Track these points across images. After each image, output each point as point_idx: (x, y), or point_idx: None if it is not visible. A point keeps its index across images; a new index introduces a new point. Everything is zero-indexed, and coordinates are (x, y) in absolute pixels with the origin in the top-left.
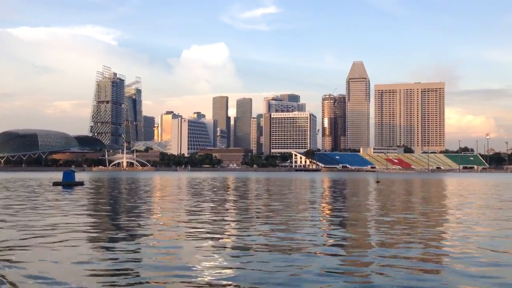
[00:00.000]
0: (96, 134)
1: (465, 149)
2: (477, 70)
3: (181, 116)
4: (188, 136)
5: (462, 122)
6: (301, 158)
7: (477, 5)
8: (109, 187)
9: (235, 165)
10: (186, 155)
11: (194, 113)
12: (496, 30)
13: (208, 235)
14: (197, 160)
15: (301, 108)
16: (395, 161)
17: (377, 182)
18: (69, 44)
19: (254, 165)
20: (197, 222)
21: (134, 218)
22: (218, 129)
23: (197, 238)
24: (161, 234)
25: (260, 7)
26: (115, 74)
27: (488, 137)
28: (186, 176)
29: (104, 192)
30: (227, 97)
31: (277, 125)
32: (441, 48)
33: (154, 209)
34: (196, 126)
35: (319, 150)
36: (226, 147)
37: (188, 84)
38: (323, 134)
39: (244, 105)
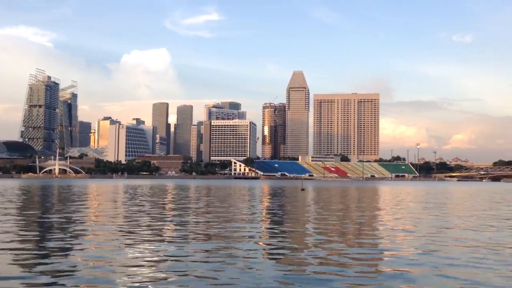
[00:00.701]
0: (27, 139)
1: (398, 158)
2: (411, 83)
3: (119, 122)
4: (126, 143)
5: (396, 132)
6: (240, 166)
7: (411, 22)
8: (23, 195)
9: (173, 172)
10: (123, 162)
11: (134, 119)
12: (429, 46)
13: (137, 246)
14: (134, 167)
15: (242, 116)
16: (332, 169)
17: (302, 189)
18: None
19: (193, 173)
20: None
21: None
22: (158, 136)
23: (125, 248)
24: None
25: (203, 14)
26: (49, 77)
27: (418, 147)
28: (121, 184)
29: (17, 200)
30: (167, 104)
31: (218, 132)
32: (377, 61)
33: (69, 220)
34: (134, 133)
35: (258, 158)
36: (165, 154)
37: (128, 90)
38: (263, 142)
39: (185, 112)
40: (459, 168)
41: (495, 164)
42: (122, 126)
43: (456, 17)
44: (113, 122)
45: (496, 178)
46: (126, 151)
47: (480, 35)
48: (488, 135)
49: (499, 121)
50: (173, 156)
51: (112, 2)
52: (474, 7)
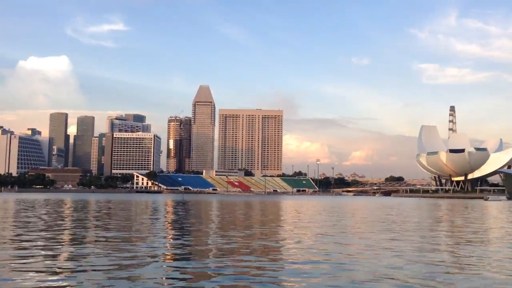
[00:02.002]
0: None
1: (299, 174)
2: (313, 101)
3: (12, 132)
4: (18, 154)
5: (300, 148)
6: (143, 179)
7: (313, 44)
8: None
9: (70, 186)
10: (14, 174)
11: (29, 129)
12: (329, 67)
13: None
14: (26, 180)
15: (146, 128)
16: (236, 183)
17: (183, 203)
18: None
19: (92, 186)
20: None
21: None
22: (55, 147)
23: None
24: None
25: (107, 23)
26: None
27: (318, 162)
28: (9, 198)
29: None
30: (66, 114)
31: (120, 145)
32: (282, 78)
33: None
34: (28, 144)
35: (162, 171)
36: (63, 166)
37: (23, 98)
38: (168, 156)
39: (86, 123)
40: (355, 183)
41: (386, 179)
42: (15, 136)
43: (354, 41)
44: (4, 131)
45: (387, 193)
46: (18, 163)
47: (376, 59)
48: (382, 152)
49: (392, 139)
50: (70, 169)
51: (8, 5)
52: (371, 33)
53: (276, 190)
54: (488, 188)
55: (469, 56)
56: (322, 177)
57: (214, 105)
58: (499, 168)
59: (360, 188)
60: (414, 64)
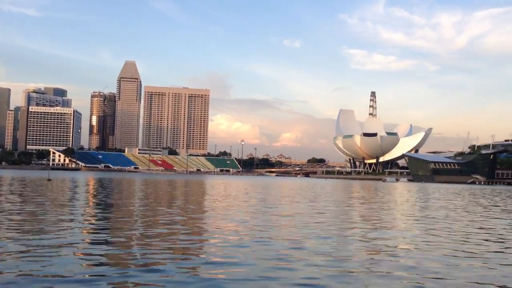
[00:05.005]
0: None
1: (224, 153)
2: (246, 82)
3: None
4: None
5: (231, 128)
6: (60, 156)
7: (246, 25)
8: None
9: None
10: None
11: None
12: (262, 48)
13: None
14: None
15: (67, 103)
16: (159, 162)
17: (48, 180)
18: None
19: (3, 162)
20: None
21: None
22: None
23: None
24: None
25: None
26: None
27: (243, 143)
28: None
29: None
30: None
31: (36, 120)
32: (215, 58)
33: None
34: None
35: (83, 148)
36: None
37: None
38: (91, 133)
39: (1, 95)
40: (279, 164)
41: (309, 161)
42: None
43: (286, 23)
44: None
45: (307, 174)
46: None
47: (307, 43)
48: (312, 135)
49: (322, 122)
50: None
51: None
52: (303, 16)
53: (200, 170)
54: (397, 170)
55: (394, 44)
56: (248, 158)
57: (140, 81)
58: (407, 152)
59: (283, 169)
60: (344, 49)
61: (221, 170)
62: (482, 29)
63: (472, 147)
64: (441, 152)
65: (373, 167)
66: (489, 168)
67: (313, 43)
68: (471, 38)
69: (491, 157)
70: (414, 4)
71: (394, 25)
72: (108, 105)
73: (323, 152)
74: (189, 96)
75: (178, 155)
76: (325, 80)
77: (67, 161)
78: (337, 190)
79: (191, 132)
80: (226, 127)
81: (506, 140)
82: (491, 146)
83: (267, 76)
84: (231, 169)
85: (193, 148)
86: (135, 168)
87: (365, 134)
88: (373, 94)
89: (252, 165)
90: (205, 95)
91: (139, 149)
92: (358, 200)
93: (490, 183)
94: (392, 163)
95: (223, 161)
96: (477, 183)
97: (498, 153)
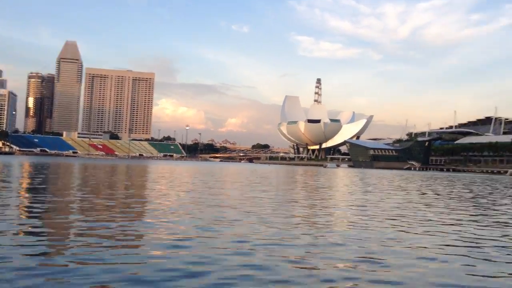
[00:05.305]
0: None
1: (168, 138)
2: (193, 66)
3: None
4: None
5: (177, 113)
6: None
7: (196, 7)
8: None
9: None
10: None
11: None
12: (210, 32)
13: None
14: None
15: (2, 84)
16: (100, 146)
17: None
18: None
19: None
20: None
21: None
22: None
23: None
24: None
25: None
26: None
27: (187, 127)
28: None
29: None
30: None
31: None
32: (161, 41)
33: None
34: None
35: (18, 131)
36: None
37: None
38: (27, 115)
39: None
40: (224, 149)
41: (253, 147)
42: None
43: (235, 8)
44: None
45: (251, 160)
46: None
47: (255, 28)
48: (258, 120)
49: (269, 108)
50: None
51: None
52: (252, 1)
53: (142, 155)
54: (339, 156)
55: (341, 32)
56: (192, 143)
57: (81, 63)
58: (348, 139)
59: (227, 155)
60: (292, 35)
61: (165, 155)
62: (424, 20)
63: (410, 134)
64: (381, 139)
65: (316, 153)
66: (424, 155)
67: (261, 29)
68: (413, 28)
69: (426, 144)
70: None
71: (341, 13)
72: (46, 87)
73: (268, 138)
74: (133, 79)
75: (120, 139)
76: (272, 66)
77: (0, 144)
78: (267, 175)
79: (134, 116)
80: (171, 112)
81: (440, 128)
82: (427, 133)
83: (215, 60)
84: (174, 154)
85: (136, 133)
86: (73, 152)
87: (309, 121)
88: (318, 81)
89: (197, 150)
90: (150, 78)
91: (78, 133)
92: (287, 186)
93: (424, 169)
94: (335, 149)
95: (166, 146)
96: (412, 169)
97: (433, 140)
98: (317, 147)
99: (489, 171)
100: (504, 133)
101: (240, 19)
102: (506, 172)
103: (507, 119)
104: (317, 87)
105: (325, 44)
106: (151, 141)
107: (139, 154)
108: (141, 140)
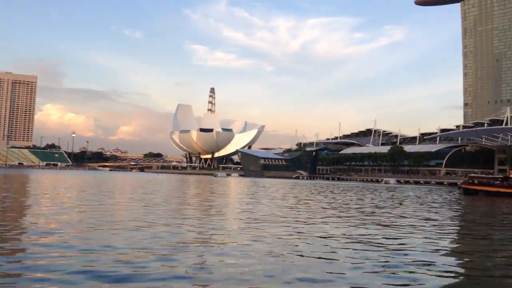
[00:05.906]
0: None
1: (53, 146)
2: (82, 70)
3: None
4: None
5: (63, 119)
6: None
7: (85, 8)
8: None
9: None
10: None
11: None
12: (101, 36)
13: None
14: None
15: None
16: None
17: None
18: None
19: None
20: None
21: None
22: None
23: None
24: None
25: None
26: None
27: (74, 135)
28: None
29: None
30: None
31: None
32: (45, 42)
33: None
34: None
35: None
36: None
37: None
38: None
39: None
40: (114, 158)
41: (145, 156)
42: None
43: (128, 12)
44: None
45: (142, 169)
46: None
47: (149, 34)
48: (151, 129)
49: (162, 116)
50: None
51: None
52: (146, 7)
53: (22, 163)
54: (231, 166)
55: (235, 43)
56: (80, 151)
57: None
58: (240, 148)
59: (117, 164)
60: (186, 44)
61: (48, 164)
62: (313, 36)
63: (299, 144)
64: (272, 148)
65: (209, 162)
66: (311, 164)
67: (155, 36)
68: (303, 43)
69: (313, 154)
70: (254, 7)
71: (235, 24)
72: None
73: (162, 146)
74: (12, 82)
75: None
76: (167, 73)
77: None
78: (150, 185)
79: (14, 122)
80: (57, 118)
81: (327, 139)
82: (314, 144)
83: (105, 66)
84: (59, 163)
85: (16, 140)
86: None
87: (202, 130)
88: (212, 90)
89: (84, 159)
90: (32, 82)
91: None
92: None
93: (312, 178)
94: (227, 158)
95: (50, 155)
96: (300, 178)
97: (320, 150)
98: (209, 156)
99: (369, 179)
100: (382, 144)
101: (133, 24)
102: (382, 180)
103: (385, 131)
104: (210, 96)
105: (219, 54)
106: (33, 148)
107: (19, 163)
108: (21, 147)
